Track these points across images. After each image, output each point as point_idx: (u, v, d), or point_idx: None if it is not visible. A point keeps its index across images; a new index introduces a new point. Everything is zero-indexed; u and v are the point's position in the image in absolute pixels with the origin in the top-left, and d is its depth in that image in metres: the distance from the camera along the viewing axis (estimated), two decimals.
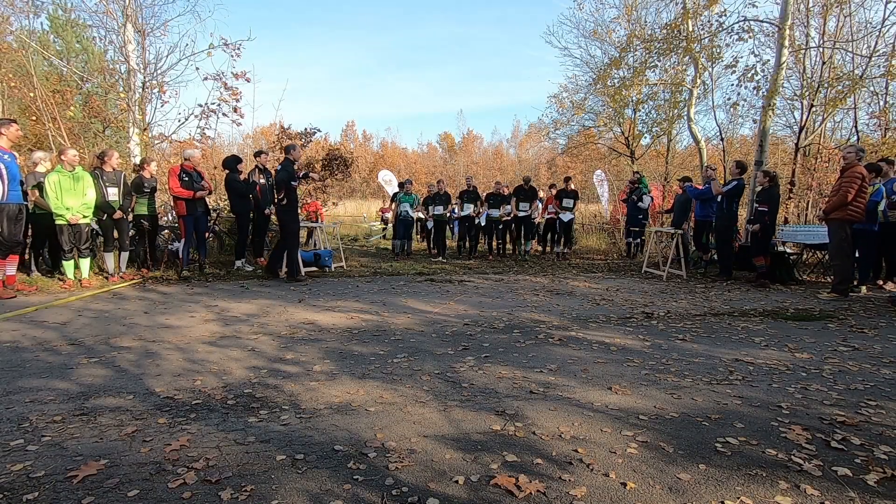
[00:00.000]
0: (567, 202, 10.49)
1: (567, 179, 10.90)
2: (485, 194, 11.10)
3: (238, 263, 7.88)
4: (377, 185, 28.28)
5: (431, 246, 11.46)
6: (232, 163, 7.76)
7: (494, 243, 11.04)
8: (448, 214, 11.04)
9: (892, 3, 9.54)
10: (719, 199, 7.92)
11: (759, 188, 7.67)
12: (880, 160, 7.04)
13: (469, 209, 10.60)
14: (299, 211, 7.59)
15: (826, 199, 7.28)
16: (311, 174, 8.11)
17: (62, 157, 6.14)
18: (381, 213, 18.08)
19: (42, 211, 6.33)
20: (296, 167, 7.31)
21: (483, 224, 11.07)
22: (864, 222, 6.31)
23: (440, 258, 10.24)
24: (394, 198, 11.30)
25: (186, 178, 7.10)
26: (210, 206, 8.73)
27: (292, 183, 6.99)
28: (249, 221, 8.04)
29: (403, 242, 10.62)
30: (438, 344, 4.03)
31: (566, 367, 3.44)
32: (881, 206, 6.50)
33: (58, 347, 3.76)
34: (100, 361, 3.45)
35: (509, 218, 10.59)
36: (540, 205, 11.23)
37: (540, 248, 11.73)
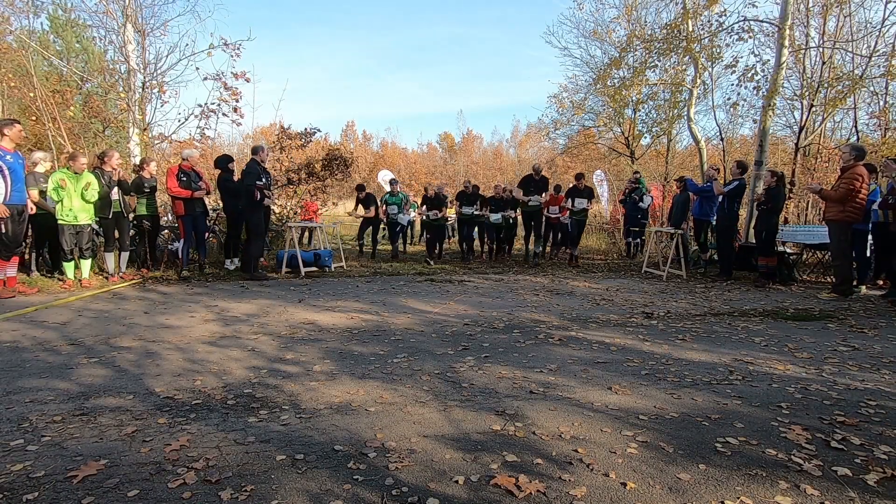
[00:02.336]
0: (580, 202, 9.35)
1: (579, 177, 9.74)
2: (488, 197, 10.48)
3: (227, 262, 7.87)
4: (377, 185, 28.27)
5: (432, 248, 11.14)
6: (223, 162, 7.74)
7: (496, 246, 10.39)
8: (445, 217, 10.51)
9: (892, 3, 9.55)
10: (720, 198, 7.92)
11: (763, 188, 7.68)
12: (887, 160, 7.04)
13: (468, 212, 10.06)
14: (271, 211, 7.80)
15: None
16: (269, 182, 7.65)
17: (71, 161, 6.18)
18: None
19: (42, 211, 6.34)
20: (266, 167, 7.62)
21: (486, 226, 10.45)
22: (862, 222, 6.32)
23: (432, 262, 9.64)
24: (367, 201, 10.53)
25: (184, 178, 7.10)
26: (210, 206, 8.72)
27: (257, 182, 7.20)
28: (241, 221, 8.06)
29: (395, 246, 10.40)
30: (438, 344, 4.03)
31: (566, 367, 3.44)
32: (874, 206, 6.50)
33: (58, 347, 3.76)
34: (100, 361, 3.45)
35: (512, 218, 9.94)
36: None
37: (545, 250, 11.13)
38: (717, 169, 8.79)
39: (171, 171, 7.17)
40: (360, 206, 10.66)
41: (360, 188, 10.89)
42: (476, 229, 10.79)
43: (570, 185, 9.83)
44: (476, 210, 10.07)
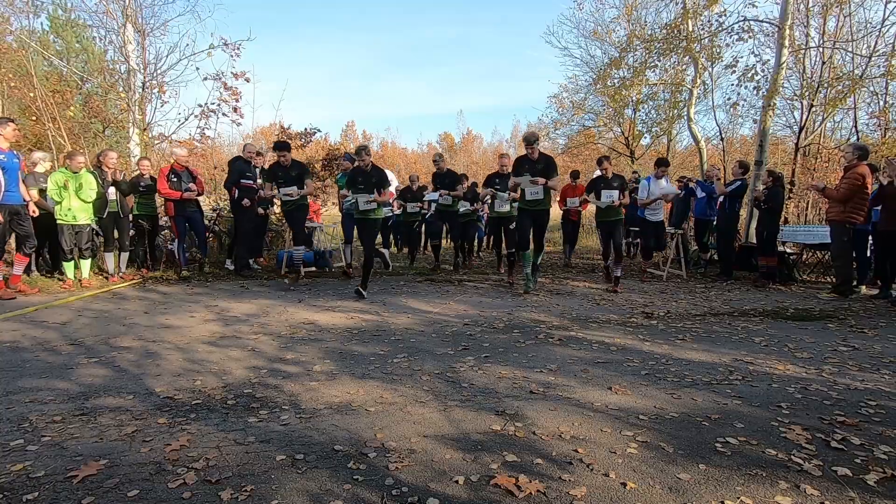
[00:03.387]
0: (608, 195, 6.69)
1: (603, 160, 6.86)
2: (489, 175, 7.90)
3: (227, 262, 7.89)
4: None
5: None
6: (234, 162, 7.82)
7: (503, 246, 7.90)
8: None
9: (892, 3, 9.56)
10: (721, 198, 7.93)
11: (762, 187, 7.69)
12: (889, 159, 7.04)
13: (434, 197, 7.97)
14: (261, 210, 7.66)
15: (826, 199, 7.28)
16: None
17: (69, 160, 6.19)
18: None
19: (42, 211, 6.33)
20: (258, 166, 7.68)
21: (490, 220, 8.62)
22: (864, 222, 6.32)
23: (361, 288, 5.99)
24: (293, 175, 6.63)
25: (174, 179, 7.05)
26: (210, 207, 8.71)
27: (241, 181, 7.28)
28: (266, 222, 8.15)
29: (345, 252, 7.69)
30: (438, 344, 4.03)
31: (566, 367, 3.44)
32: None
33: (58, 347, 3.76)
34: (100, 361, 3.45)
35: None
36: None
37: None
38: (719, 169, 8.79)
39: (163, 172, 7.15)
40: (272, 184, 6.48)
41: (279, 146, 6.46)
42: (446, 227, 8.53)
43: (595, 175, 7.08)
44: (445, 199, 7.91)
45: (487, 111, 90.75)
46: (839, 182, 6.36)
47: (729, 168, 10.08)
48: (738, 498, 1.88)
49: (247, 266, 7.53)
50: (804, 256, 8.54)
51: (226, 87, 9.69)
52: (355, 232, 6.95)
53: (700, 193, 8.25)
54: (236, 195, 7.29)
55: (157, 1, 10.88)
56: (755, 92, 10.03)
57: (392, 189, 7.36)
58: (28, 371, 3.21)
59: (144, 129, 9.93)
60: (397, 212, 9.35)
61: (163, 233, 8.30)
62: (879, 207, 6.34)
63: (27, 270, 6.57)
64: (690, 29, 10.78)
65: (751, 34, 10.02)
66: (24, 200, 5.82)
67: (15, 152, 5.82)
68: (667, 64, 12.53)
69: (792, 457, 2.19)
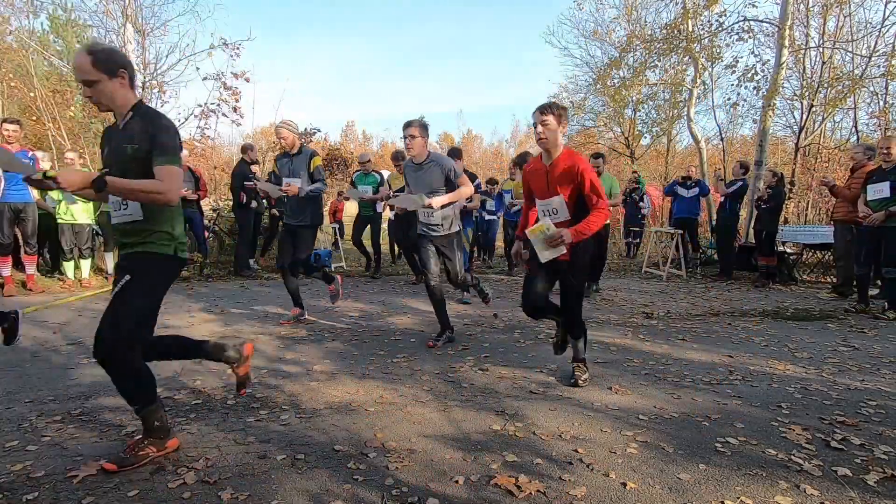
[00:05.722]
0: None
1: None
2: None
3: (251, 262, 7.87)
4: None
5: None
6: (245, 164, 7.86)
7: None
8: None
9: (892, 3, 9.56)
10: (721, 199, 7.94)
11: (765, 186, 7.70)
12: None
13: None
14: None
15: (827, 199, 7.29)
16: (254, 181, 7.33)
17: (64, 158, 6.20)
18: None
19: (42, 211, 6.32)
20: (252, 168, 7.66)
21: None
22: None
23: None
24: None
25: None
26: (210, 206, 8.71)
27: (245, 183, 7.27)
28: (260, 222, 8.16)
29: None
30: None
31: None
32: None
33: (58, 347, 3.76)
34: None
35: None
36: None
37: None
38: (719, 169, 8.82)
39: None
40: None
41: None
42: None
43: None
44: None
45: (487, 111, 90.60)
46: (847, 182, 6.37)
47: (729, 168, 10.08)
48: (738, 498, 1.88)
49: (247, 266, 7.53)
50: (804, 256, 8.54)
51: (226, 86, 9.67)
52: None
53: (686, 193, 8.29)
54: (244, 200, 7.29)
55: (157, 1, 10.86)
56: (755, 92, 10.04)
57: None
58: (28, 371, 3.21)
59: None
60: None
61: None
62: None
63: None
64: (690, 29, 10.78)
65: (751, 34, 10.03)
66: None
67: (28, 152, 5.82)
68: (667, 64, 12.52)
69: (792, 457, 2.19)
